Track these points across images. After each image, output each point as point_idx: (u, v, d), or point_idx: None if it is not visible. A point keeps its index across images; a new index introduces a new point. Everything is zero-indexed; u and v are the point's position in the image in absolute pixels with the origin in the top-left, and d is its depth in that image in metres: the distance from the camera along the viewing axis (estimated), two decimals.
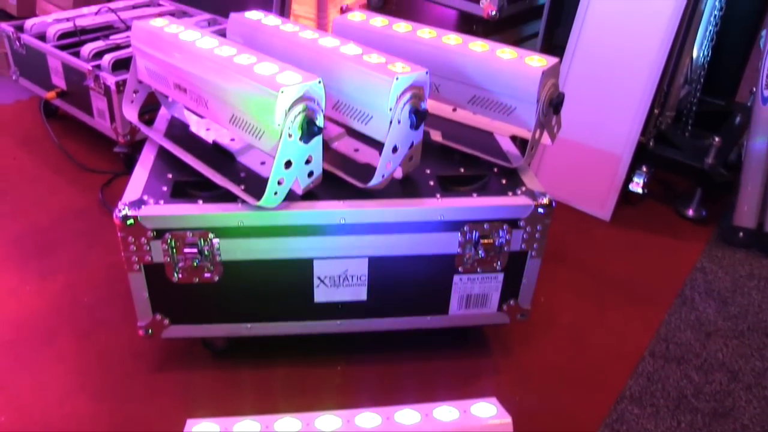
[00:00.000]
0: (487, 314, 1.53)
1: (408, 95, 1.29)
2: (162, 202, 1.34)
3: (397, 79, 1.26)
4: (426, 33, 1.55)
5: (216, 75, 1.32)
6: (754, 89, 2.16)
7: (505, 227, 1.40)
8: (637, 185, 2.26)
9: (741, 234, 2.15)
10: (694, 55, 2.32)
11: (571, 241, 2.12)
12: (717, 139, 2.14)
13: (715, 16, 2.23)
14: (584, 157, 2.23)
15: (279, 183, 1.27)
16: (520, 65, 1.41)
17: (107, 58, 2.17)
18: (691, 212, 2.28)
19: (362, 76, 1.32)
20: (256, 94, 1.23)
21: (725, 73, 2.49)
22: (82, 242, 1.98)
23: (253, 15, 1.61)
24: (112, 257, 1.90)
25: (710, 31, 2.26)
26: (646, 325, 1.79)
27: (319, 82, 1.24)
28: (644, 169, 2.26)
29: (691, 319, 1.82)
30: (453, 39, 1.52)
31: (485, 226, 1.39)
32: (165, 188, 1.39)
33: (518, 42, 2.53)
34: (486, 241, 1.40)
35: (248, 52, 1.36)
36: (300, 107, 1.22)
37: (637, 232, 2.19)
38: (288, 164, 1.26)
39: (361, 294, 1.45)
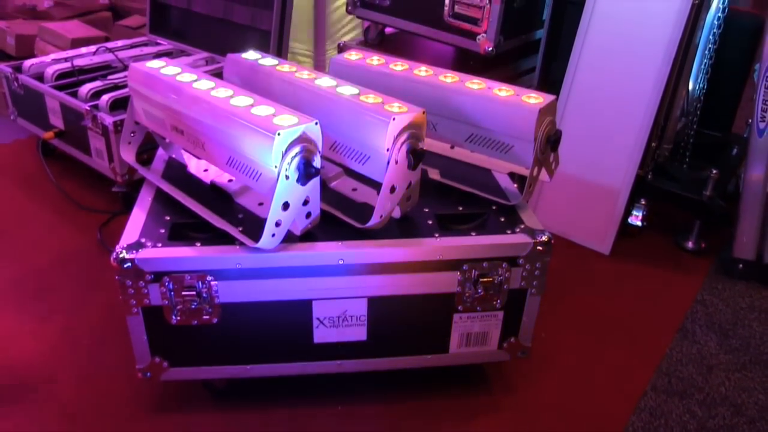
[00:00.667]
0: (488, 352, 1.52)
1: (405, 135, 1.29)
2: (160, 244, 1.34)
3: (393, 119, 1.27)
4: (423, 71, 1.56)
5: (213, 117, 1.32)
6: (750, 121, 2.17)
7: (504, 265, 1.40)
8: (636, 218, 2.27)
9: (740, 266, 2.14)
10: (690, 87, 2.33)
11: (571, 275, 2.11)
12: (714, 171, 2.14)
13: (710, 49, 2.24)
14: (583, 191, 2.23)
15: (277, 225, 1.27)
16: (516, 103, 1.42)
17: (105, 98, 2.18)
18: (690, 244, 2.28)
19: (359, 116, 1.32)
20: (252, 136, 1.23)
21: (721, 105, 2.50)
22: (81, 283, 1.97)
23: (250, 55, 1.62)
24: (111, 298, 1.89)
25: (705, 64, 2.28)
26: (647, 360, 1.77)
27: (316, 123, 1.24)
28: (643, 202, 2.26)
29: (692, 352, 1.81)
30: (450, 77, 1.53)
31: (484, 264, 1.39)
32: (163, 230, 1.39)
33: (515, 77, 2.54)
34: (485, 279, 1.40)
35: (245, 93, 1.37)
36: (297, 149, 1.22)
37: (637, 266, 2.19)
38: (286, 206, 1.25)
39: (360, 334, 1.44)
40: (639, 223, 2.27)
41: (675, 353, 1.80)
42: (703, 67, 2.29)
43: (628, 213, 2.26)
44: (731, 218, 2.17)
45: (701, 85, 2.33)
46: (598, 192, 2.21)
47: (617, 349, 1.81)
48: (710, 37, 2.22)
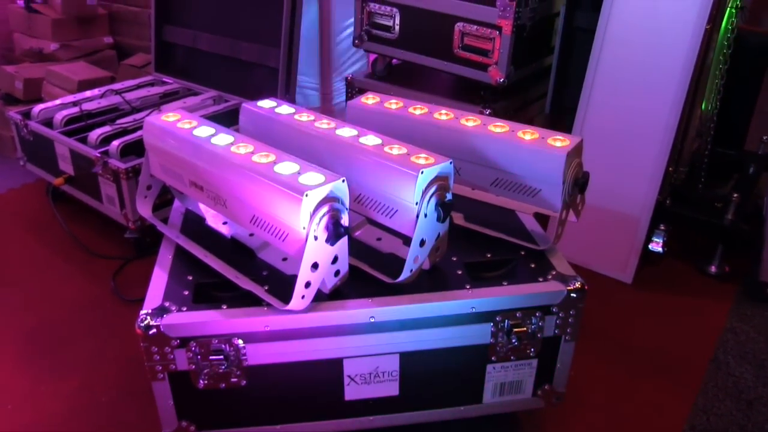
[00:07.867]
0: (522, 400, 1.48)
1: (433, 188, 1.26)
2: (185, 308, 1.30)
3: (422, 172, 1.24)
4: (443, 115, 1.53)
5: (235, 175, 1.29)
6: (765, 138, 2.15)
7: (537, 314, 1.36)
8: (656, 245, 2.23)
9: None
10: (703, 107, 2.31)
11: (594, 307, 2.06)
12: (735, 195, 2.11)
13: (720, 69, 2.22)
14: (603, 221, 2.20)
15: (306, 286, 1.23)
16: (543, 147, 1.39)
17: (115, 144, 2.16)
18: (713, 269, 2.24)
19: (385, 169, 1.29)
20: (278, 197, 1.20)
21: (733, 122, 2.47)
22: (96, 335, 1.93)
23: (266, 104, 1.59)
24: (129, 351, 1.85)
25: (717, 84, 2.25)
26: (681, 395, 1.73)
27: (343, 181, 1.21)
28: (663, 227, 2.22)
29: (728, 386, 1.76)
30: (472, 120, 1.50)
31: (518, 314, 1.35)
32: (186, 292, 1.35)
33: (527, 104, 2.51)
34: (519, 329, 1.36)
35: (266, 149, 1.33)
36: (325, 209, 1.19)
37: (661, 294, 2.15)
38: (315, 266, 1.22)
39: (392, 389, 1.40)
40: (660, 250, 2.23)
41: (710, 387, 1.75)
42: (714, 86, 2.27)
43: (648, 239, 2.22)
44: (754, 240, 2.13)
45: (714, 104, 2.30)
46: (618, 220, 2.17)
47: (648, 384, 1.77)
48: (720, 57, 2.20)
